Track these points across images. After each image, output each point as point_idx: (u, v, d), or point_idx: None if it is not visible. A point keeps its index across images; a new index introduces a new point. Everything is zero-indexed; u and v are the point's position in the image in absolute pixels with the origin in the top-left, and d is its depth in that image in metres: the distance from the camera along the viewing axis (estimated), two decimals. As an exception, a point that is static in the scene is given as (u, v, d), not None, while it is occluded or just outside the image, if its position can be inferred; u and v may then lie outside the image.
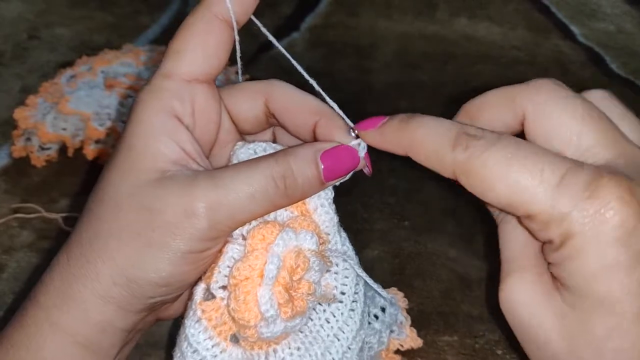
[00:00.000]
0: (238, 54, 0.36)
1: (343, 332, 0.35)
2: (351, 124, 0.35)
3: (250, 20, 0.35)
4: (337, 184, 0.35)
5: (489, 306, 0.48)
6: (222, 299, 0.33)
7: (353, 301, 0.36)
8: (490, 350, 0.45)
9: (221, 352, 0.33)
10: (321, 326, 0.35)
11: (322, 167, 0.33)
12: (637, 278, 0.28)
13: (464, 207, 0.57)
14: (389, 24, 0.84)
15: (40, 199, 0.58)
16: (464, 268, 0.52)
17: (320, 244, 0.35)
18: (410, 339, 0.42)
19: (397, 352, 0.42)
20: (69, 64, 0.68)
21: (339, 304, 0.36)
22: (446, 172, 0.31)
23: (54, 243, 0.54)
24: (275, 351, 0.34)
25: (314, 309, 0.35)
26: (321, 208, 0.35)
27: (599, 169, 0.28)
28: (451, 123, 0.32)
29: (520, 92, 0.32)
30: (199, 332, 0.33)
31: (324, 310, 0.35)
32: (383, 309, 0.40)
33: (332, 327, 0.35)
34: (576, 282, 0.29)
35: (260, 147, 0.36)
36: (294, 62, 0.36)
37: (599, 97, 0.33)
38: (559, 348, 0.30)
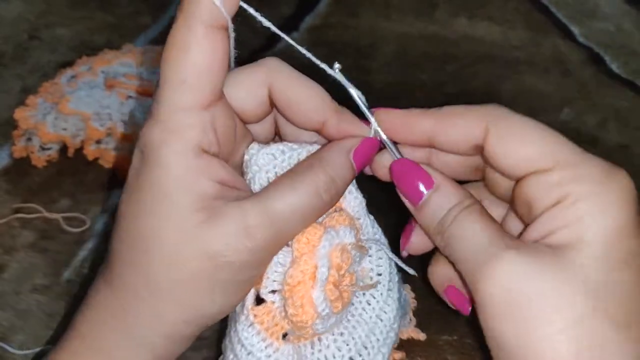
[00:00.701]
0: (232, 52, 0.34)
1: (385, 313, 0.37)
2: (369, 114, 0.36)
3: (252, 15, 0.33)
4: None
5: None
6: (273, 302, 0.35)
7: (389, 281, 0.37)
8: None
9: (274, 351, 0.35)
10: (363, 309, 0.36)
11: (355, 164, 0.35)
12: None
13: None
14: (388, 24, 0.84)
15: (41, 199, 0.58)
16: (464, 268, 0.52)
17: (356, 234, 0.36)
18: (413, 330, 0.44)
19: (398, 348, 0.42)
20: (69, 64, 0.68)
21: (378, 285, 0.37)
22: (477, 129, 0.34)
23: (55, 243, 0.54)
24: (320, 340, 0.35)
25: (353, 292, 0.36)
26: (349, 195, 0.36)
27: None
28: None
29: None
30: (252, 335, 0.35)
31: (364, 294, 0.37)
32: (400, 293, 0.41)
33: (373, 308, 0.36)
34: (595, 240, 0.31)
35: (278, 150, 0.35)
36: (306, 51, 0.36)
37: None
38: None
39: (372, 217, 0.38)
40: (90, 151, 0.61)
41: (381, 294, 0.37)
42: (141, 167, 0.32)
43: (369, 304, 0.36)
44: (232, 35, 0.31)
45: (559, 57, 0.80)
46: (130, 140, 0.61)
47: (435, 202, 0.34)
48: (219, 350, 0.44)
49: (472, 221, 0.33)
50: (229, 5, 0.30)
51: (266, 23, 0.33)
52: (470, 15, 0.86)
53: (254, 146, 0.35)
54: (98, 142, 0.61)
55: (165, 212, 0.31)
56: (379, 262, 0.37)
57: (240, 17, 0.32)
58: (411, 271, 0.39)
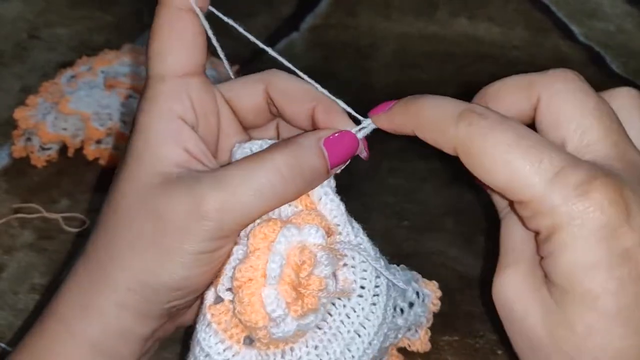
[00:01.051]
0: (217, 46, 0.36)
1: (364, 328, 0.34)
2: (361, 117, 0.36)
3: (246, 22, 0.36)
4: (338, 171, 0.35)
5: (485, 304, 0.48)
6: (230, 301, 0.33)
7: (374, 295, 0.35)
8: (491, 350, 0.45)
9: (234, 355, 0.33)
10: (341, 322, 0.34)
11: (326, 153, 0.33)
12: (618, 277, 0.28)
13: (464, 207, 0.57)
14: (388, 24, 0.84)
15: (40, 199, 0.58)
16: (464, 267, 0.52)
17: (329, 236, 0.34)
18: (421, 342, 0.41)
19: (400, 350, 0.41)
20: (69, 64, 0.68)
21: (359, 299, 0.34)
22: (447, 147, 0.31)
23: (55, 243, 0.54)
24: (292, 350, 0.33)
25: (333, 304, 0.34)
26: (325, 197, 0.35)
27: (595, 168, 0.29)
28: (458, 101, 0.32)
29: (538, 79, 0.32)
30: (210, 336, 0.33)
31: (344, 306, 0.34)
32: (411, 305, 0.38)
33: (352, 322, 0.34)
34: (560, 277, 0.29)
35: (256, 145, 0.35)
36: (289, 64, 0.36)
37: (623, 95, 0.33)
38: (542, 341, 0.30)
39: (357, 226, 0.36)
40: (90, 151, 0.61)
41: (362, 308, 0.34)
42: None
43: (349, 317, 0.34)
44: (202, 17, 0.34)
45: (559, 57, 0.80)
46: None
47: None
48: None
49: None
50: None
51: (241, 30, 0.36)
52: (471, 15, 0.86)
53: (236, 144, 0.36)
54: (98, 142, 0.61)
55: (129, 173, 0.33)
56: (363, 275, 0.34)
57: (239, 21, 0.36)
58: (401, 285, 0.36)
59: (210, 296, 0.34)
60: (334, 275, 0.34)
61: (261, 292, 0.31)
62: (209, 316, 0.33)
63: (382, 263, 0.36)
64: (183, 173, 0.32)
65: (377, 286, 0.35)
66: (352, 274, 0.34)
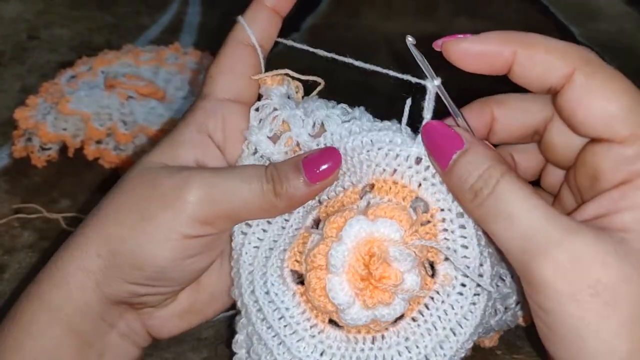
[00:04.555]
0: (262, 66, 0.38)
1: (461, 327, 0.33)
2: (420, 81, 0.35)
3: None
4: (329, 185, 0.35)
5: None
6: None
7: (475, 294, 0.33)
8: (490, 350, 0.45)
9: (319, 332, 0.34)
10: (438, 317, 0.33)
11: (305, 172, 0.34)
12: None
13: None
14: (389, 24, 0.84)
15: (41, 199, 0.58)
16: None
17: (424, 224, 0.32)
18: (490, 339, 0.41)
19: None
20: (69, 64, 0.68)
21: (459, 296, 0.33)
22: (560, 73, 0.31)
23: (55, 243, 0.54)
24: (383, 337, 0.33)
25: (431, 298, 0.33)
26: (425, 182, 0.33)
27: None
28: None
29: None
30: (298, 314, 0.34)
31: (443, 302, 0.33)
32: (506, 309, 0.37)
33: (449, 320, 0.33)
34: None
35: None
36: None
37: None
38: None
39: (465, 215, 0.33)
40: (90, 151, 0.61)
41: (462, 306, 0.33)
42: None
43: (446, 314, 0.33)
44: (260, 54, 0.37)
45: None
46: (130, 140, 0.61)
47: (464, 164, 0.31)
48: (218, 351, 0.44)
49: (517, 196, 0.29)
50: (263, 32, 0.37)
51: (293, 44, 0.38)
52: (471, 16, 0.86)
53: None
54: (98, 142, 0.61)
55: (144, 158, 0.36)
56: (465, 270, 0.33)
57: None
58: (488, 287, 0.33)
59: (288, 276, 0.34)
60: (433, 267, 0.33)
61: (325, 278, 0.32)
62: (298, 297, 0.34)
63: (489, 261, 0.33)
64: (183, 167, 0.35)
65: (478, 285, 0.33)
66: (452, 270, 0.33)
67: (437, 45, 0.34)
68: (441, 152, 0.32)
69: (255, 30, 0.37)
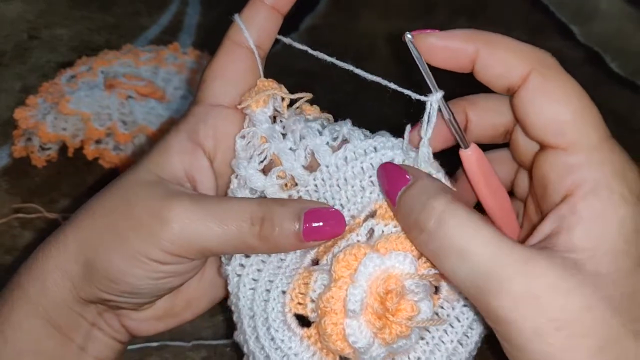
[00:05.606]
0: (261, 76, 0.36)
1: (467, 337, 0.33)
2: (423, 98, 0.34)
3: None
4: (321, 245, 0.34)
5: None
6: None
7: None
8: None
9: None
10: (444, 331, 0.33)
11: (304, 225, 0.32)
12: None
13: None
14: (387, 24, 0.84)
15: (41, 199, 0.58)
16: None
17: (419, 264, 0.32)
18: None
19: None
20: (69, 64, 0.68)
21: (464, 308, 0.33)
22: (521, 69, 0.31)
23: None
24: None
25: (436, 313, 0.33)
26: None
27: None
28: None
29: None
30: (308, 357, 0.32)
31: (448, 315, 0.33)
32: None
33: (456, 332, 0.33)
34: None
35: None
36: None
37: None
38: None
39: None
40: (90, 151, 0.61)
41: (467, 317, 0.33)
42: None
43: (452, 327, 0.33)
44: (257, 56, 0.35)
45: (559, 57, 0.80)
46: (130, 140, 0.61)
47: (408, 198, 0.31)
48: (218, 351, 0.44)
49: (466, 229, 0.28)
50: (260, 33, 0.35)
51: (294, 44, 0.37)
52: (471, 16, 0.86)
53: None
54: (98, 142, 0.61)
55: (136, 169, 0.35)
56: None
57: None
58: None
59: (293, 321, 0.33)
60: (438, 289, 0.33)
61: (343, 323, 0.30)
62: (306, 341, 0.32)
63: None
64: (169, 184, 0.33)
65: None
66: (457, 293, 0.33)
67: (406, 38, 0.34)
68: (390, 191, 0.32)
69: (253, 29, 0.35)
